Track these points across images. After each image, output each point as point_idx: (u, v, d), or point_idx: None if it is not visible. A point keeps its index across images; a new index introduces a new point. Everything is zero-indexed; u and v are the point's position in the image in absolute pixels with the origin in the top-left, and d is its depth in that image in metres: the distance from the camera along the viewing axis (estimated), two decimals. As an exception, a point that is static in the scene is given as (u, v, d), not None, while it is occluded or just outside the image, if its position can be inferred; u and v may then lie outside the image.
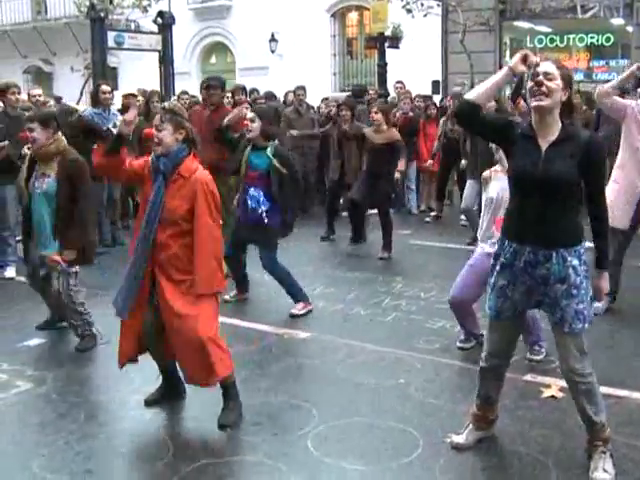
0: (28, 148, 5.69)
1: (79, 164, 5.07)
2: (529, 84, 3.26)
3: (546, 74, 3.22)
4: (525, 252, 3.30)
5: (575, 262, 3.27)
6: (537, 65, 3.25)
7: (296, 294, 6.02)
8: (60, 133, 5.13)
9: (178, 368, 4.08)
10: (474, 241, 7.97)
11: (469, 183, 8.18)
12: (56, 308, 5.41)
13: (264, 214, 5.80)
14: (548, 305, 3.36)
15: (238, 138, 6.40)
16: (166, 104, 4.02)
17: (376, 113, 8.03)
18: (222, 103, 7.69)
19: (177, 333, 3.85)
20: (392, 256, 8.02)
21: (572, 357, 3.33)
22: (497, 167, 4.98)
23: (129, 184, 3.92)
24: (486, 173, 5.04)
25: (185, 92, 12.40)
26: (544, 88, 3.20)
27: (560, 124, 3.29)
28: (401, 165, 8.15)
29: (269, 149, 5.83)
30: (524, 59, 3.26)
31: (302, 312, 5.93)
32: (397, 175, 8.12)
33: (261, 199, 5.81)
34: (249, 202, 5.84)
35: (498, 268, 3.42)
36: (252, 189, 5.83)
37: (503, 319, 3.46)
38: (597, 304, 5.06)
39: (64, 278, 5.06)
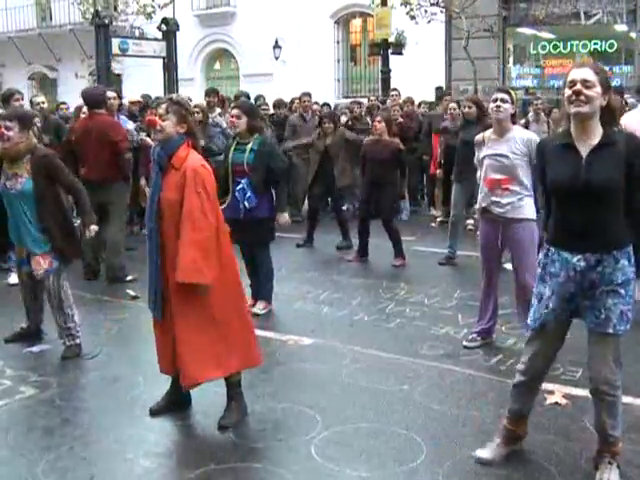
0: None
1: (50, 157, 5.06)
2: (566, 91, 3.16)
3: (584, 82, 3.11)
4: (575, 260, 3.21)
5: (625, 262, 3.20)
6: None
7: (268, 292, 6.22)
8: (31, 133, 5.13)
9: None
10: (448, 260, 7.95)
11: (456, 187, 7.96)
12: (34, 313, 5.42)
13: (249, 204, 5.82)
14: (590, 308, 3.24)
15: None
16: (174, 96, 4.12)
17: (379, 122, 7.96)
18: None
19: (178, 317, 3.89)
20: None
21: (607, 366, 3.24)
22: (487, 133, 5.08)
23: None
24: (479, 137, 5.15)
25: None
26: (582, 97, 3.10)
27: (601, 130, 3.19)
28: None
29: (253, 142, 5.87)
30: None
31: (264, 312, 6.09)
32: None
33: (247, 194, 5.82)
34: (237, 195, 5.87)
35: (546, 278, 3.32)
36: (242, 181, 5.86)
37: (547, 331, 3.35)
38: None
39: (55, 277, 5.06)
